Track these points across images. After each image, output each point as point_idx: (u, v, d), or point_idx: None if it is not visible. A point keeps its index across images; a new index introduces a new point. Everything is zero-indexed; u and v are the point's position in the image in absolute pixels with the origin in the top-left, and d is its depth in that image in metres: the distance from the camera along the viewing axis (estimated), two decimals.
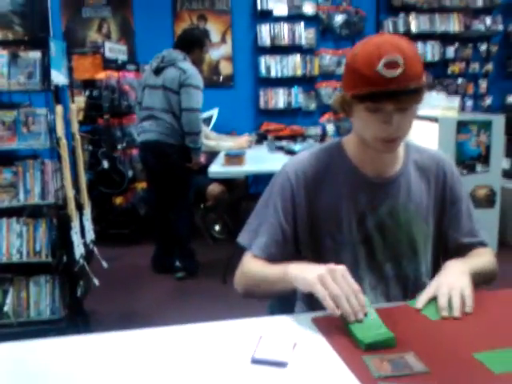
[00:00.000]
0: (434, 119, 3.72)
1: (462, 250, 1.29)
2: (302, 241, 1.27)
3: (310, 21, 5.24)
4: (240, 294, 1.28)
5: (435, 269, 1.28)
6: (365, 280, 1.24)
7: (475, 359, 0.90)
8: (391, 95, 1.06)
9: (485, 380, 0.86)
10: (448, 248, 1.32)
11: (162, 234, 3.63)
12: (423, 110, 4.35)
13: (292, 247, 1.27)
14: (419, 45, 5.28)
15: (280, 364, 0.90)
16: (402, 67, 1.05)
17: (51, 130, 2.32)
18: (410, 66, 1.06)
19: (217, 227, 4.48)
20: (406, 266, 1.27)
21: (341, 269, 1.04)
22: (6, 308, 2.49)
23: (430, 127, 3.82)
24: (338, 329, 1.01)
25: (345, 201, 1.24)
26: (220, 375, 0.88)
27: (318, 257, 1.23)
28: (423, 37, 5.29)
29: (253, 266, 1.24)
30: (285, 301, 1.34)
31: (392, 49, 1.06)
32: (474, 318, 1.06)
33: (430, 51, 5.37)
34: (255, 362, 0.91)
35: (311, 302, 1.27)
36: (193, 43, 3.44)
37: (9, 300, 2.49)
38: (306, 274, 1.06)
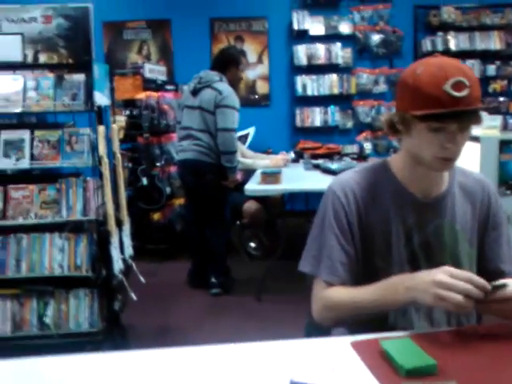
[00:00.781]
0: (476, 139, 3.65)
1: (499, 277, 1.26)
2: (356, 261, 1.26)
3: (347, 40, 5.27)
4: (321, 324, 1.25)
5: None
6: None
7: None
8: (457, 115, 1.08)
9: None
10: (487, 274, 1.29)
11: (199, 250, 3.67)
12: None
13: (356, 266, 1.25)
14: None
15: None
16: (468, 88, 1.07)
17: (93, 148, 2.40)
18: (473, 88, 1.09)
19: (253, 244, 4.49)
20: None
21: (445, 274, 1.04)
22: (47, 319, 2.55)
23: (472, 147, 3.74)
24: (377, 353, 1.00)
25: (393, 220, 1.24)
26: None
27: (369, 277, 1.21)
28: (463, 55, 5.22)
29: (338, 295, 1.21)
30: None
31: (457, 70, 1.09)
32: None
33: None
34: None
35: (351, 324, 1.26)
36: (228, 62, 3.48)
37: (50, 312, 2.56)
38: (417, 294, 1.06)
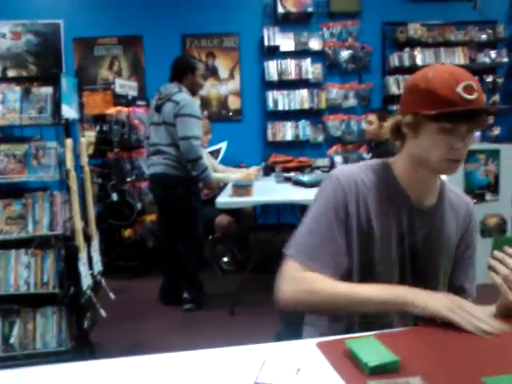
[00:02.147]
0: None
1: (461, 294, 1.30)
2: (353, 255, 1.26)
3: (317, 56, 5.36)
4: (287, 306, 1.20)
5: None
6: None
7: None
8: (469, 116, 1.14)
9: None
10: (451, 289, 1.35)
11: (171, 266, 3.62)
12: None
13: (344, 258, 1.24)
14: None
15: None
16: (476, 92, 1.14)
17: (61, 162, 2.36)
18: (480, 92, 1.16)
19: (225, 259, 4.47)
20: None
21: (460, 300, 1.11)
22: (12, 340, 2.48)
23: None
24: (342, 353, 0.99)
25: (390, 219, 1.26)
26: None
27: (365, 274, 1.24)
28: None
29: (333, 285, 1.17)
30: (292, 328, 1.32)
31: (465, 76, 1.16)
32: (485, 342, 1.04)
33: None
34: None
35: (320, 325, 1.27)
36: (183, 70, 3.46)
37: (15, 332, 2.48)
38: (434, 302, 1.10)
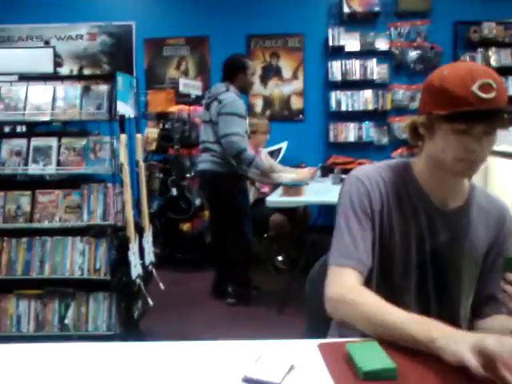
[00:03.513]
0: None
1: (490, 303, 1.25)
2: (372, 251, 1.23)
3: (383, 56, 5.24)
4: (332, 314, 1.17)
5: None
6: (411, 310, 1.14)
7: None
8: (485, 116, 1.07)
9: None
10: (481, 297, 1.29)
11: (220, 261, 3.71)
12: (501, 145, 4.13)
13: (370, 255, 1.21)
14: None
15: None
16: (495, 91, 1.07)
17: (115, 156, 2.50)
18: (501, 91, 1.08)
19: (280, 258, 4.49)
20: (447, 304, 1.24)
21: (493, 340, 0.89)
22: (66, 320, 2.65)
23: (507, 164, 3.62)
24: (340, 356, 0.99)
25: (409, 221, 1.23)
26: None
27: (383, 276, 1.23)
28: (505, 71, 5.07)
29: (369, 300, 1.10)
30: (317, 330, 1.33)
31: (484, 73, 1.09)
32: None
33: None
34: (247, 381, 0.91)
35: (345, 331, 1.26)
36: (234, 70, 3.49)
37: (70, 313, 2.66)
38: (456, 345, 0.91)
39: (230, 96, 3.38)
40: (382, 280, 1.23)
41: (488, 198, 1.31)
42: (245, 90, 3.54)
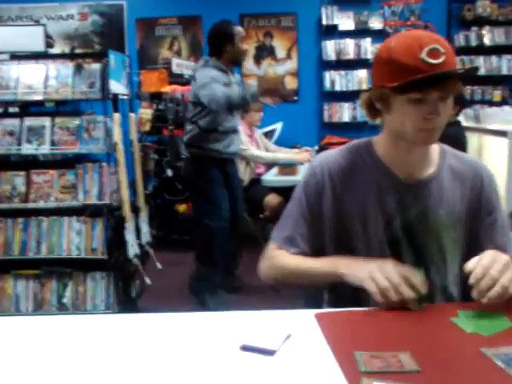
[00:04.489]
0: (503, 133, 3.55)
1: None
2: (329, 240, 1.27)
3: (377, 35, 5.21)
4: (264, 280, 1.34)
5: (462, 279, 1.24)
6: None
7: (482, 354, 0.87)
8: (436, 82, 1.06)
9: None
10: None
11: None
12: (493, 124, 4.15)
13: (316, 242, 1.28)
14: (494, 58, 5.06)
15: (268, 352, 0.91)
16: (443, 55, 1.07)
17: (109, 135, 2.49)
18: (449, 55, 1.08)
19: None
20: (433, 273, 1.24)
21: (389, 265, 1.08)
22: (65, 300, 2.67)
23: (500, 142, 3.64)
24: (337, 325, 1.01)
25: (372, 200, 1.23)
26: (207, 362, 0.90)
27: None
28: (499, 50, 5.07)
29: (288, 259, 1.27)
30: (313, 302, 1.37)
31: (430, 39, 1.08)
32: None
33: (506, 64, 5.13)
34: (245, 349, 0.93)
35: (336, 302, 1.28)
36: (220, 42, 3.01)
37: (68, 293, 2.67)
38: (357, 271, 1.11)
39: (205, 75, 2.90)
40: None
41: (460, 160, 1.28)
42: (237, 60, 3.12)
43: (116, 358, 0.92)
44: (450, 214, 1.23)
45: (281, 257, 1.28)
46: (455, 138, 3.56)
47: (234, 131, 3.15)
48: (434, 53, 1.06)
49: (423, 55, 1.06)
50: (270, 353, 0.91)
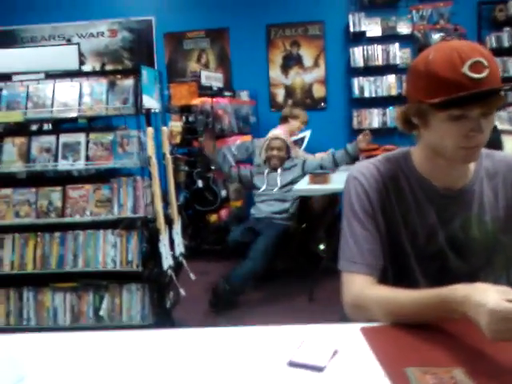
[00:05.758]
0: None
1: None
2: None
3: (406, 40, 5.15)
4: (352, 319, 1.15)
5: None
6: None
7: None
8: (479, 98, 0.99)
9: None
10: None
11: None
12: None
13: (381, 254, 1.18)
14: None
15: (316, 368, 0.89)
16: (487, 69, 0.99)
17: (143, 149, 2.52)
18: (492, 68, 1.01)
19: (322, 246, 4.40)
20: (484, 280, 1.20)
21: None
22: (101, 312, 2.69)
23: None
24: (385, 340, 0.98)
25: (414, 215, 1.18)
26: (256, 377, 0.89)
27: (397, 269, 1.19)
28: None
29: (373, 296, 1.09)
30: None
31: (472, 51, 1.00)
32: None
33: None
34: (292, 365, 0.91)
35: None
36: None
37: (104, 305, 2.70)
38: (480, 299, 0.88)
39: None
40: (399, 276, 1.18)
41: (492, 157, 1.22)
42: None
43: (160, 375, 0.91)
44: (495, 217, 1.19)
45: (364, 294, 1.10)
46: (493, 146, 3.47)
47: None
48: (477, 66, 0.98)
49: (465, 69, 0.98)
50: (319, 369, 0.89)
